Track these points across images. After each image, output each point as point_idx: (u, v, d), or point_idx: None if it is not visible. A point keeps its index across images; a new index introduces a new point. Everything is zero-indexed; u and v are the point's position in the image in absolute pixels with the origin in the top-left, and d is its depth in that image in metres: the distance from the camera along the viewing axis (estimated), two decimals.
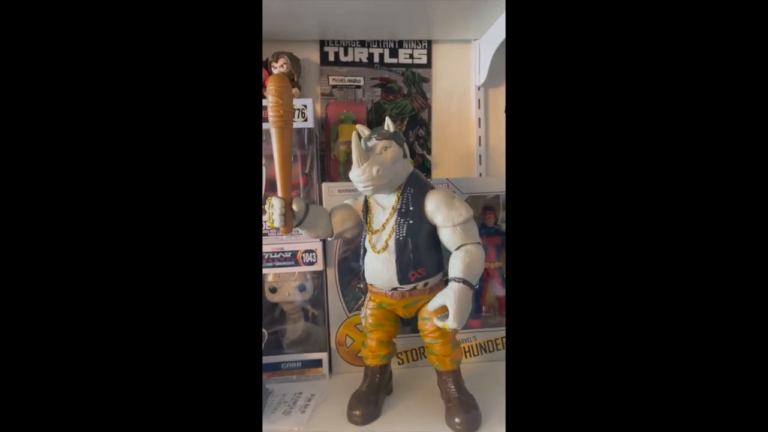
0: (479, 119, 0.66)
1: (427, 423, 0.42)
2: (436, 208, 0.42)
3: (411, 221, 0.42)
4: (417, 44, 0.65)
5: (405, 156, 0.43)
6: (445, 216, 0.42)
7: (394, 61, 0.65)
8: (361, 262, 0.46)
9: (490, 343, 0.56)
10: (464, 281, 0.40)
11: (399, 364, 0.55)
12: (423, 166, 0.66)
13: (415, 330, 0.47)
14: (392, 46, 0.65)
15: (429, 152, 0.67)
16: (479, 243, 0.43)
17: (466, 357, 0.56)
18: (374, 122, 0.64)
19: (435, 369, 0.45)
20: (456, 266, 0.41)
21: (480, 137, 0.66)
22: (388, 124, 0.44)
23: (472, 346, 0.56)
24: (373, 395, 0.45)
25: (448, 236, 0.42)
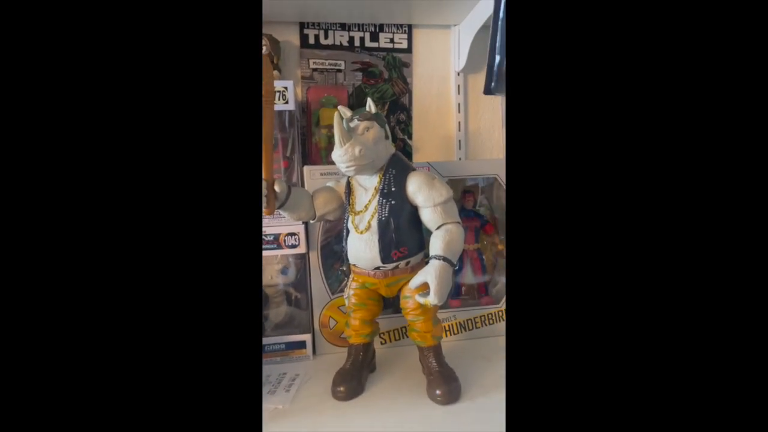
0: (459, 104, 0.67)
1: (409, 397, 0.44)
2: (417, 188, 0.43)
3: (393, 202, 0.43)
4: (397, 28, 0.65)
5: (387, 137, 0.44)
6: (426, 196, 0.43)
7: (374, 45, 0.65)
8: (343, 244, 0.47)
9: (469, 321, 0.58)
10: (444, 259, 0.41)
11: (381, 344, 0.56)
12: (404, 150, 0.67)
13: (397, 310, 0.49)
14: (373, 30, 0.65)
15: (410, 137, 0.67)
16: (459, 222, 0.44)
17: (446, 335, 0.57)
18: (356, 106, 0.65)
19: (417, 345, 0.47)
20: (437, 244, 0.42)
21: (459, 122, 0.67)
22: (370, 105, 0.44)
23: (452, 324, 0.58)
24: (357, 372, 0.46)
25: (429, 216, 0.43)
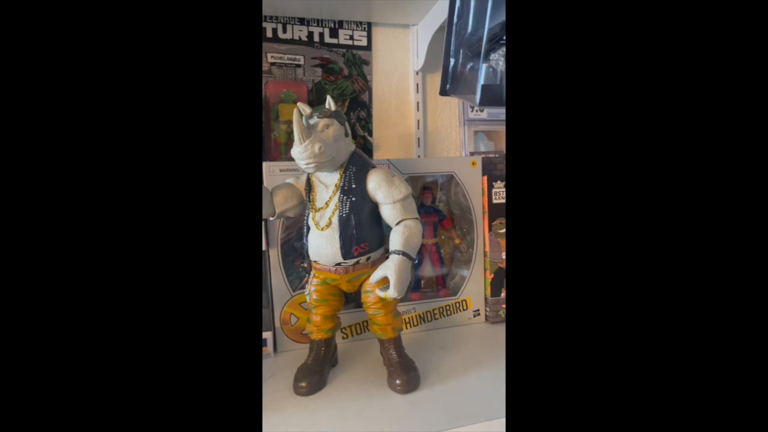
0: (417, 103, 0.69)
1: (371, 389, 0.45)
2: (377, 185, 0.44)
3: (353, 198, 0.44)
4: (357, 26, 0.65)
5: (347, 135, 0.45)
6: (385, 193, 0.44)
7: (334, 41, 0.65)
8: (304, 241, 0.47)
9: (428, 313, 0.61)
10: (403, 253, 0.43)
11: (344, 338, 0.57)
12: (365, 147, 0.68)
13: (359, 305, 0.50)
14: (332, 26, 0.65)
15: (370, 134, 0.68)
16: (417, 218, 0.46)
17: (406, 327, 0.59)
18: (315, 102, 0.64)
19: (378, 338, 0.48)
20: (396, 240, 0.43)
21: (418, 120, 0.69)
22: (330, 103, 0.45)
23: (412, 317, 0.60)
24: (319, 367, 0.47)
25: (388, 212, 0.45)
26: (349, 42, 0.65)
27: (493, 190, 0.62)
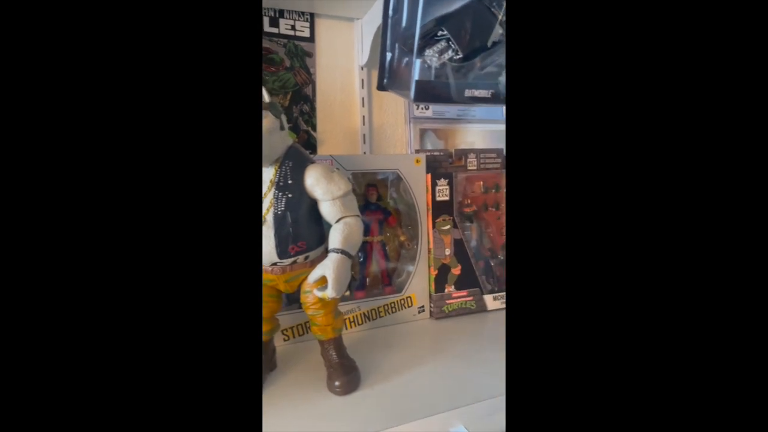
0: (363, 98, 0.68)
1: (310, 392, 0.43)
2: (315, 181, 0.42)
3: (290, 195, 0.42)
4: (299, 16, 0.63)
5: (282, 128, 0.42)
6: (324, 189, 0.43)
7: (274, 30, 0.62)
8: None
9: (373, 311, 0.60)
10: (342, 252, 0.42)
11: (285, 340, 0.55)
12: (308, 142, 0.66)
13: (301, 306, 0.48)
14: (272, 14, 0.62)
15: (314, 128, 0.66)
16: (358, 216, 0.45)
17: (351, 326, 0.58)
18: None
19: (317, 339, 0.46)
20: (335, 238, 0.42)
21: (364, 116, 0.68)
22: (264, 94, 0.42)
23: (356, 315, 0.59)
24: None
25: (327, 209, 0.43)
26: (291, 32, 0.63)
27: (437, 188, 0.62)
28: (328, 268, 0.41)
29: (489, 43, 0.35)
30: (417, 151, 0.70)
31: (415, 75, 0.37)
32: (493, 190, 0.68)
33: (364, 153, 0.69)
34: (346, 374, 0.43)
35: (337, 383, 0.43)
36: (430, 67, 0.36)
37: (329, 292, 0.41)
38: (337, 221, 0.43)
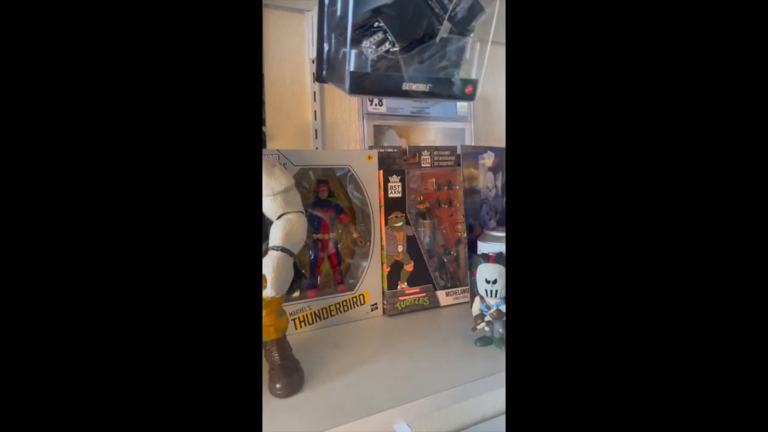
0: (314, 93, 0.66)
1: None
2: None
3: None
4: None
5: None
6: (264, 184, 0.41)
7: None
8: None
9: (324, 310, 0.59)
10: (283, 249, 0.40)
11: None
12: None
13: None
14: None
15: (263, 123, 0.64)
16: (301, 212, 0.43)
17: (301, 326, 0.57)
18: None
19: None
20: (276, 235, 0.41)
21: (315, 111, 0.66)
22: None
23: (307, 315, 0.58)
24: None
25: (268, 205, 0.42)
26: None
27: (389, 185, 0.62)
28: (268, 266, 0.39)
29: (437, 39, 0.34)
30: (371, 148, 0.69)
31: (350, 66, 0.36)
32: (446, 187, 0.68)
33: (316, 149, 0.67)
34: (287, 376, 0.42)
35: (278, 385, 0.41)
36: (366, 58, 0.36)
37: (268, 291, 0.39)
38: (279, 217, 0.42)
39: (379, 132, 0.72)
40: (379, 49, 0.35)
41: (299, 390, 0.42)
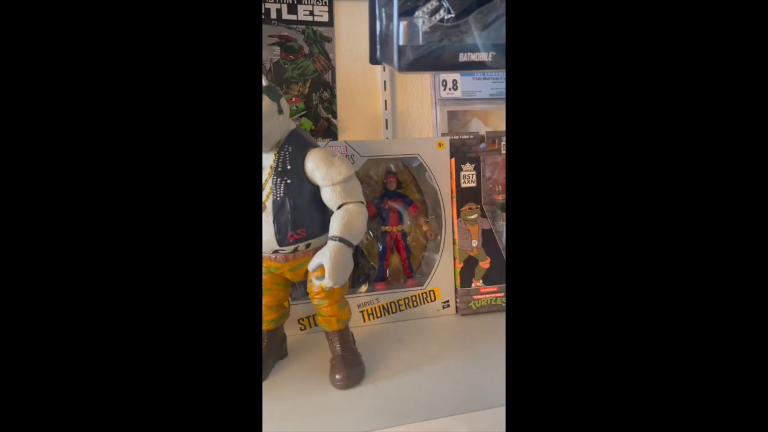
0: (384, 82, 0.65)
1: (311, 384, 0.42)
2: (315, 166, 0.41)
3: (289, 181, 0.41)
4: (317, 0, 0.62)
5: (280, 112, 0.41)
6: (324, 174, 0.41)
7: (293, 17, 0.61)
8: None
9: (392, 304, 0.57)
10: (341, 239, 0.40)
11: (301, 329, 0.55)
12: (329, 130, 0.64)
13: None
14: (291, 1, 0.61)
15: (334, 116, 0.65)
16: (361, 202, 0.42)
17: (369, 319, 0.56)
18: (274, 83, 0.61)
19: (323, 330, 0.45)
20: (335, 225, 0.40)
21: (386, 101, 0.65)
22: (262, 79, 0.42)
23: (375, 308, 0.57)
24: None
25: (328, 195, 0.41)
26: (309, 18, 0.62)
27: (462, 174, 0.57)
28: (326, 256, 0.39)
29: None
30: (443, 135, 0.65)
31: (399, 40, 0.33)
32: None
33: (386, 139, 0.66)
34: (347, 368, 0.41)
35: (337, 376, 0.41)
36: (418, 30, 0.32)
37: (326, 282, 0.39)
38: (339, 207, 0.41)
39: (453, 118, 0.67)
40: (433, 18, 0.32)
41: (359, 383, 0.41)
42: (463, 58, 0.34)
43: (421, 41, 0.33)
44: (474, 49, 0.33)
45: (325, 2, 0.62)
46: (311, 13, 0.62)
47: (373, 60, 0.37)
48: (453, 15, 0.32)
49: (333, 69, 0.64)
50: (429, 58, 0.34)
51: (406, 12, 0.33)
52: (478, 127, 0.69)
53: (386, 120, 0.65)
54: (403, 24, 0.33)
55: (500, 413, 0.37)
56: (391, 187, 0.59)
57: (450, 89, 0.66)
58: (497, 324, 0.55)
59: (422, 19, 0.32)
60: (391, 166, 0.60)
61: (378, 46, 0.36)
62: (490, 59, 0.34)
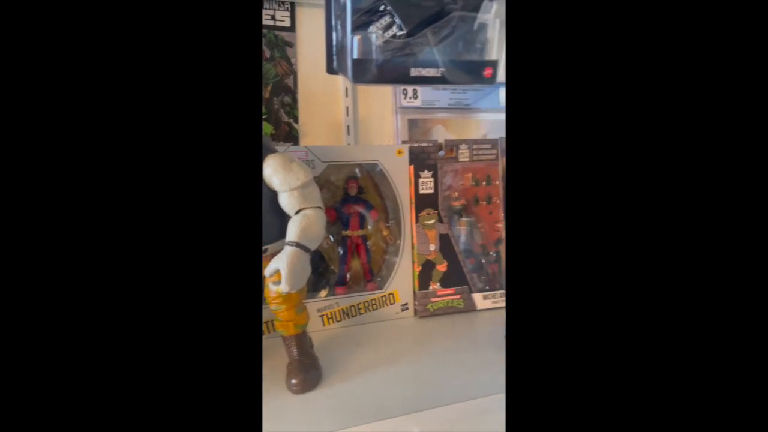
0: (347, 89, 0.66)
1: (269, 387, 0.42)
2: (273, 171, 0.41)
3: None
4: (279, 5, 0.62)
5: None
6: (281, 180, 0.41)
7: None
8: None
9: (352, 308, 0.58)
10: (298, 244, 0.40)
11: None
12: (290, 134, 0.64)
13: None
14: None
15: (296, 120, 0.65)
16: (320, 207, 0.43)
17: (329, 323, 0.57)
18: None
19: (280, 335, 0.45)
20: (292, 230, 0.41)
21: (348, 107, 0.66)
22: None
23: (334, 312, 0.57)
24: None
25: (285, 201, 0.42)
26: (271, 22, 0.62)
27: (420, 180, 0.59)
28: (282, 261, 0.39)
29: (448, 19, 0.31)
30: (404, 143, 0.67)
31: (353, 53, 0.34)
32: (485, 183, 0.64)
33: (348, 144, 0.67)
34: (303, 372, 0.42)
35: (293, 381, 0.41)
36: (372, 44, 0.34)
37: (283, 287, 0.39)
38: (296, 213, 0.41)
39: (414, 126, 0.69)
40: (386, 33, 0.33)
41: (315, 387, 0.42)
42: (414, 72, 0.36)
43: (374, 55, 0.34)
44: (425, 64, 0.35)
45: (287, 7, 0.63)
46: (273, 17, 0.62)
47: (330, 70, 0.38)
48: (405, 32, 0.33)
49: (295, 74, 0.64)
50: (382, 72, 0.35)
51: (361, 26, 0.34)
52: (441, 132, 0.72)
53: (348, 126, 0.66)
54: (357, 38, 0.34)
55: (451, 410, 0.38)
56: (352, 192, 0.60)
57: (410, 98, 0.68)
58: (453, 325, 0.57)
59: (375, 34, 0.34)
60: (357, 171, 0.61)
61: (335, 57, 0.37)
62: (440, 74, 0.36)
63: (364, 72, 0.36)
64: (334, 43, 0.36)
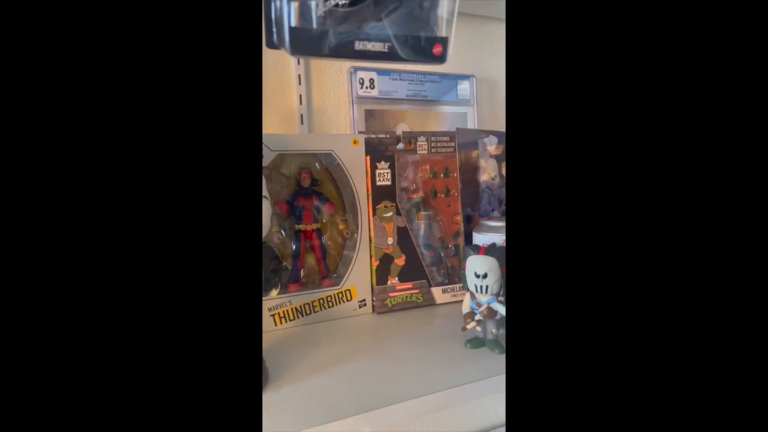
0: (299, 76, 0.62)
1: None
2: None
3: None
4: None
5: None
6: None
7: None
8: None
9: (306, 306, 0.55)
10: None
11: None
12: None
13: None
14: None
15: None
16: (265, 197, 0.40)
17: (281, 323, 0.54)
18: None
19: None
20: None
21: (301, 95, 0.63)
22: None
23: (287, 311, 0.54)
24: None
25: None
26: None
27: (377, 172, 0.57)
28: None
29: None
30: (360, 133, 0.65)
31: (290, 21, 0.32)
32: (443, 175, 0.63)
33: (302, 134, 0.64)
34: None
35: None
36: (312, 14, 0.31)
37: None
38: None
39: (370, 117, 0.67)
40: (327, 2, 0.31)
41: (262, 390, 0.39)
42: (359, 46, 0.34)
43: (314, 24, 0.32)
44: (371, 38, 0.33)
45: None
46: None
47: (270, 44, 0.35)
48: (347, 1, 0.31)
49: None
50: (322, 44, 0.33)
51: None
52: (401, 126, 0.70)
53: (301, 115, 0.63)
54: (294, 4, 0.31)
55: (404, 408, 0.37)
56: (305, 184, 0.57)
57: (367, 88, 0.66)
58: (411, 321, 0.56)
59: (316, 2, 0.31)
60: (317, 164, 0.58)
61: (274, 29, 0.34)
62: (386, 50, 0.34)
63: (303, 43, 0.33)
64: (273, 13, 0.33)
